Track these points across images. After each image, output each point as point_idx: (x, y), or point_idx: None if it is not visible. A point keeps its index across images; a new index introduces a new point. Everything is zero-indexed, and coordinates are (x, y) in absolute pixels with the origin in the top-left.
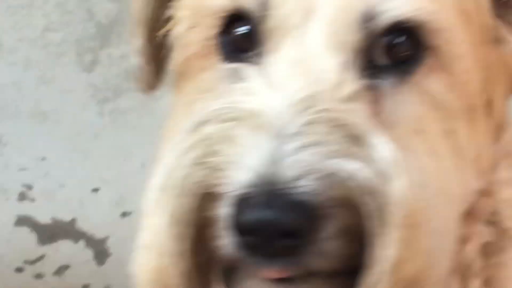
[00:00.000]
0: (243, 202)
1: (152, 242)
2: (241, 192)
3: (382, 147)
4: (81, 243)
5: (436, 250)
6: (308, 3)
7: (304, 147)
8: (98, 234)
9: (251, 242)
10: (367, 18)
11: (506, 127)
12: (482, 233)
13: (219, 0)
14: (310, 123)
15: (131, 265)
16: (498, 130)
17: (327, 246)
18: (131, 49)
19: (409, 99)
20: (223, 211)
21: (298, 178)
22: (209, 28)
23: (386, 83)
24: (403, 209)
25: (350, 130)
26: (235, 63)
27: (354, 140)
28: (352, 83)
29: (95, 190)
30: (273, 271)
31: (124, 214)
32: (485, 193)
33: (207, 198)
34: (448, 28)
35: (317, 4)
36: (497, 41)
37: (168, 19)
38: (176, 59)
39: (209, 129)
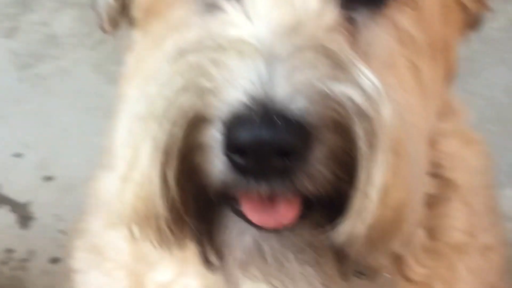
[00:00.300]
0: (238, 121)
1: (129, 173)
2: (235, 112)
3: (369, 75)
4: (4, 208)
5: (415, 180)
6: None
7: (294, 69)
8: (21, 198)
9: (244, 162)
10: None
11: (455, 75)
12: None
13: None
14: (297, 48)
15: (115, 199)
16: (449, 77)
17: (317, 169)
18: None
19: (381, 33)
20: (214, 134)
21: (291, 98)
22: None
23: (361, 15)
24: (391, 134)
25: (337, 57)
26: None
27: (341, 66)
28: (332, 13)
29: (17, 155)
30: (262, 216)
31: (47, 179)
32: (429, 143)
33: (194, 123)
34: None
35: None
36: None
37: None
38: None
39: (192, 57)
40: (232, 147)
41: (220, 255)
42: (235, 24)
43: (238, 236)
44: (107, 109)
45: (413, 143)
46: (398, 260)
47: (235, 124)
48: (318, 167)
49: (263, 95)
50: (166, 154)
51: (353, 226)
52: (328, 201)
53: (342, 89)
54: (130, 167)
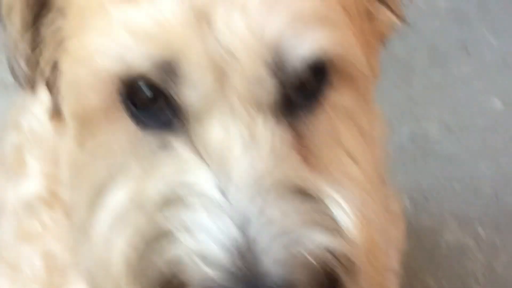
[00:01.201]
0: None
1: None
2: None
3: (339, 200)
4: None
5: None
6: (219, 68)
7: (273, 236)
8: None
9: None
10: (277, 67)
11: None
12: None
13: (115, 66)
14: (267, 202)
15: None
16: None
17: None
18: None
19: (322, 122)
20: None
21: (275, 270)
22: (109, 89)
23: (302, 118)
24: (366, 255)
25: (304, 192)
26: (149, 128)
27: (305, 199)
28: (279, 134)
29: None
30: None
31: None
32: None
33: (169, 285)
34: (349, 52)
35: (227, 65)
36: (369, 15)
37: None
38: (69, 104)
39: (154, 213)
40: None
41: None
42: (193, 172)
43: None
44: None
45: (378, 221)
46: None
47: None
48: None
49: (244, 272)
50: None
51: None
52: None
53: (319, 243)
54: None
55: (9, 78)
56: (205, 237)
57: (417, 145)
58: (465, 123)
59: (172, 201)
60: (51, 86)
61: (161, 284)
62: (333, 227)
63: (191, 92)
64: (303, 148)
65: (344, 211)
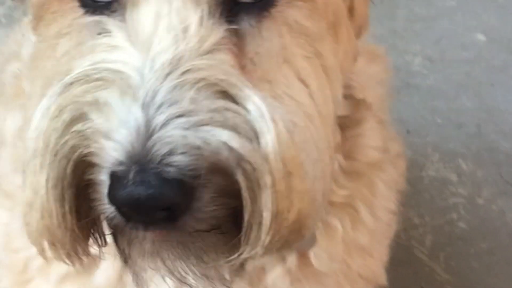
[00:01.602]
0: (116, 178)
1: (34, 200)
2: (113, 169)
3: (252, 102)
4: None
5: (316, 184)
6: None
7: (172, 118)
8: None
9: (127, 213)
10: None
11: (367, 24)
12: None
13: None
14: (177, 87)
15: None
16: (360, 29)
17: (205, 211)
18: None
19: (270, 34)
20: (101, 178)
21: (168, 153)
22: None
23: (246, 23)
24: (276, 167)
25: (220, 87)
26: (93, 13)
27: (223, 98)
28: (215, 33)
29: None
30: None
31: None
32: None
33: (82, 163)
34: None
35: None
36: None
37: None
38: None
39: (76, 90)
40: (113, 200)
41: (125, 259)
42: (119, 52)
43: (138, 245)
44: None
45: (310, 148)
46: None
47: (114, 180)
48: (207, 209)
49: (139, 153)
50: (61, 190)
51: (251, 249)
52: (220, 226)
53: (219, 137)
54: (34, 194)
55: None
56: (111, 115)
57: (399, 78)
58: (448, 56)
59: (93, 80)
60: None
61: (74, 162)
62: (245, 132)
63: None
64: (243, 56)
65: (264, 121)
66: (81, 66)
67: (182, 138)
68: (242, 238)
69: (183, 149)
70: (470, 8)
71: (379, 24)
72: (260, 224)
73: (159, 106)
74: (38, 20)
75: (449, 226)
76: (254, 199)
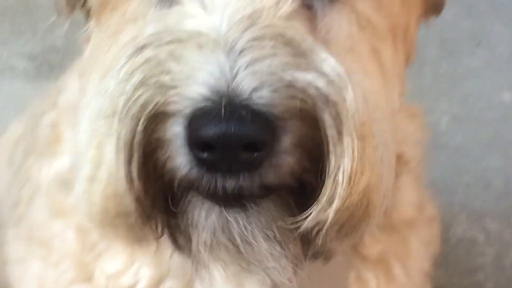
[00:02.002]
0: (201, 116)
1: (95, 173)
2: (198, 106)
3: (331, 61)
4: None
5: (383, 163)
6: None
7: (256, 60)
8: None
9: (210, 157)
10: None
11: (414, 53)
12: None
13: None
14: (256, 38)
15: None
16: (409, 55)
17: (283, 159)
18: None
19: (340, 19)
20: (176, 129)
21: (255, 89)
22: None
23: (319, 1)
24: (356, 119)
25: (297, 44)
26: None
27: (302, 54)
28: (290, 1)
29: None
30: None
31: None
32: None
33: (154, 119)
34: None
35: None
36: None
37: None
38: None
39: (150, 52)
40: (197, 143)
41: (187, 238)
42: (192, 16)
43: (204, 217)
44: None
45: (379, 126)
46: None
47: (199, 118)
48: (285, 157)
49: (225, 88)
50: (129, 151)
51: (321, 212)
52: (293, 188)
53: (305, 77)
54: (96, 166)
55: (19, 64)
56: (191, 62)
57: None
58: (475, 115)
59: (166, 42)
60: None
61: (146, 117)
62: (320, 73)
63: None
64: (314, 32)
65: (343, 80)
66: (150, 31)
67: (270, 73)
68: (317, 194)
69: (273, 84)
70: (497, 67)
71: (406, 81)
72: (336, 180)
73: (241, 51)
74: (102, 9)
75: (476, 286)
76: (335, 148)
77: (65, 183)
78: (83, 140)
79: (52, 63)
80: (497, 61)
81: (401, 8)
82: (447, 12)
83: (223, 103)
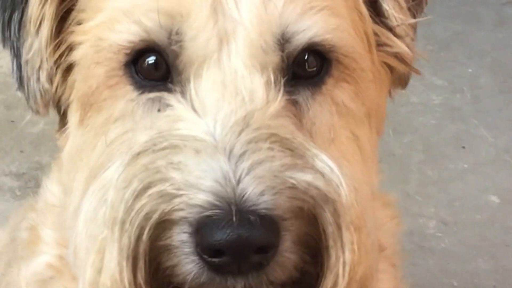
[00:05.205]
0: (210, 223)
1: (97, 279)
2: (205, 214)
3: (323, 157)
4: None
5: (374, 250)
6: (223, 31)
7: (256, 164)
8: None
9: (221, 262)
10: (284, 39)
11: (383, 129)
12: None
13: (125, 34)
14: (252, 141)
15: None
16: (378, 132)
17: (287, 257)
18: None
19: (322, 110)
20: (183, 236)
21: (260, 194)
22: (115, 61)
23: (302, 96)
24: (351, 212)
25: (290, 143)
26: (150, 92)
27: (297, 153)
28: (278, 100)
29: None
30: None
31: None
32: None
33: (158, 227)
34: (350, 44)
35: (233, 31)
36: (379, 45)
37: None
38: (78, 91)
39: (146, 159)
40: (209, 249)
41: None
42: (184, 120)
43: None
44: None
45: (367, 213)
46: None
47: (208, 226)
48: (287, 255)
49: (232, 194)
50: (135, 259)
51: None
52: (294, 280)
53: (305, 177)
54: (98, 272)
55: (5, 182)
56: (193, 169)
57: (414, 242)
58: (461, 218)
59: (161, 148)
60: (59, 98)
61: (151, 226)
62: (317, 172)
63: (193, 43)
64: (301, 126)
65: (336, 175)
66: (147, 136)
67: (273, 178)
68: (318, 283)
69: (275, 187)
70: (483, 170)
71: (392, 187)
72: (336, 273)
73: (240, 156)
74: (85, 112)
75: None
76: (335, 243)
77: (43, 281)
78: (81, 244)
79: (38, 180)
80: (482, 164)
81: (375, 92)
82: (431, 116)
83: (233, 211)
